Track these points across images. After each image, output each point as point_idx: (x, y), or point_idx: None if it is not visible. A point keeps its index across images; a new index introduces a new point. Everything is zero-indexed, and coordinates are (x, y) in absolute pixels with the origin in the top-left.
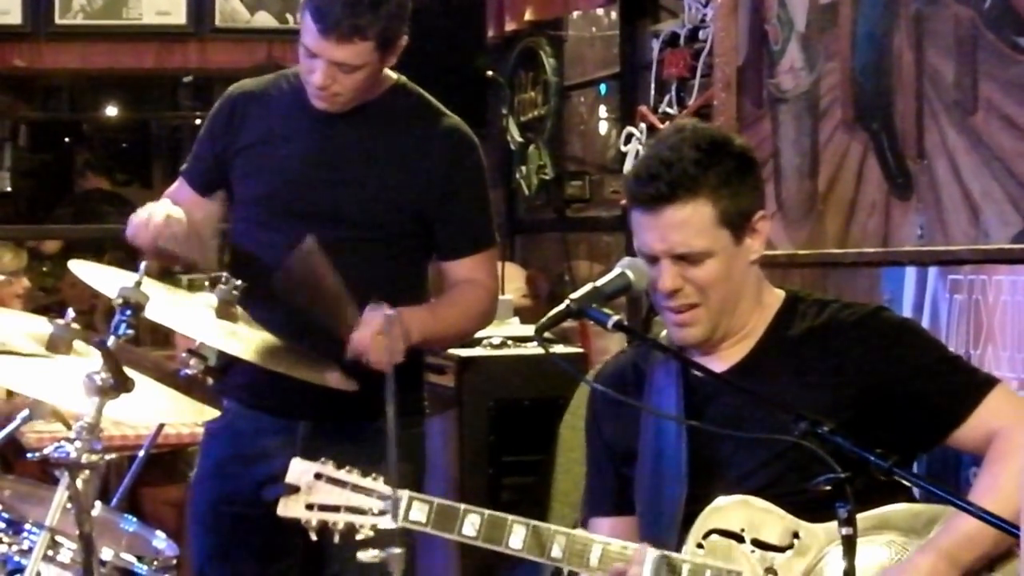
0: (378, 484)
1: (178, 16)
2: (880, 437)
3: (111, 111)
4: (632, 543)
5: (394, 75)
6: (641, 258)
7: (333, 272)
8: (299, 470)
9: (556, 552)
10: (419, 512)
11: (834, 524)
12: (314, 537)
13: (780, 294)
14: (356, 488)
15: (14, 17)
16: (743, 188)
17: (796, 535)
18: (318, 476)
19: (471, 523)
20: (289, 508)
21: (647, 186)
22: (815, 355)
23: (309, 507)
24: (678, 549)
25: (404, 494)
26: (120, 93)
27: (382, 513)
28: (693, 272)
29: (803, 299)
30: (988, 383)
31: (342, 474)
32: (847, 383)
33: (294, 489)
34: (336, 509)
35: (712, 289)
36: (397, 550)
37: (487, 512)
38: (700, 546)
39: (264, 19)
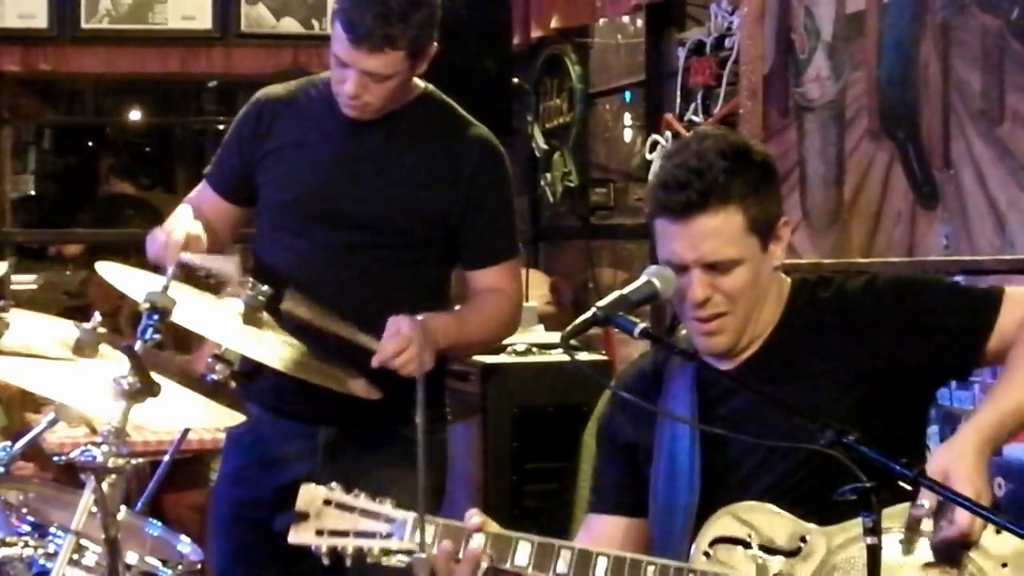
0: (385, 507)
1: (203, 21)
2: (908, 391)
3: (135, 115)
4: (639, 555)
5: (422, 84)
6: (667, 267)
7: (323, 313)
8: (309, 497)
9: (561, 567)
10: (426, 534)
11: (841, 526)
12: (326, 562)
13: (788, 283)
14: (364, 512)
15: (40, 21)
16: (768, 195)
17: (803, 539)
18: (327, 502)
19: (476, 543)
20: (300, 535)
21: (677, 194)
22: (830, 330)
23: (319, 533)
24: (687, 556)
25: (410, 516)
26: (144, 98)
27: (389, 536)
28: (722, 281)
29: (808, 280)
30: (994, 294)
31: (350, 499)
32: (866, 352)
33: (304, 516)
34: (345, 534)
35: (741, 297)
36: (423, 555)
37: (493, 532)
38: (707, 554)
39: (290, 25)
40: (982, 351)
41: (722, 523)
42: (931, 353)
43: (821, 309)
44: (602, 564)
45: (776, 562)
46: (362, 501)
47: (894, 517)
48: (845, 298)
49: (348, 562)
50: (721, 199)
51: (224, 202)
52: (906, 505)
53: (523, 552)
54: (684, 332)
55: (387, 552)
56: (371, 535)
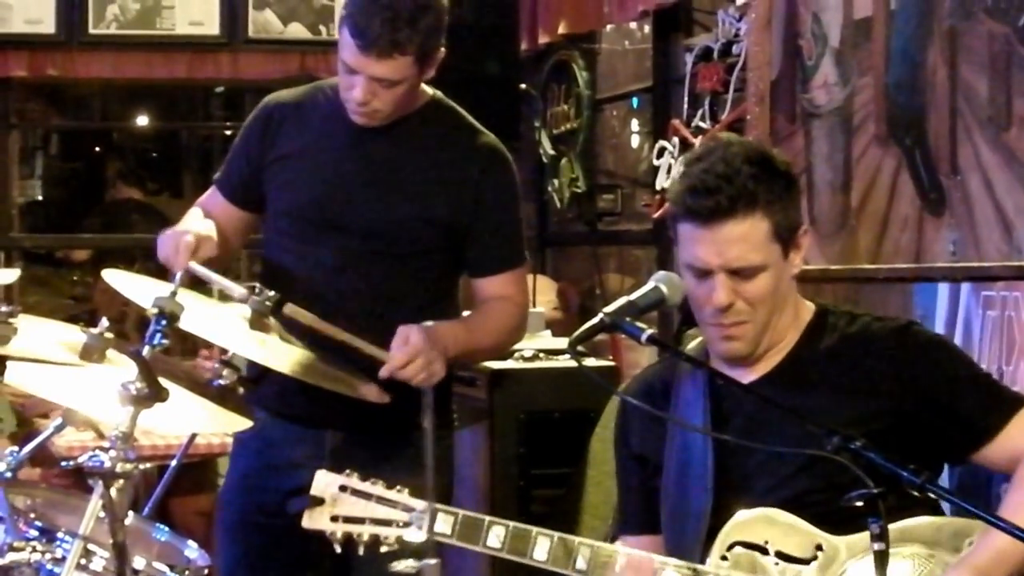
0: (403, 496)
1: (211, 26)
2: (908, 449)
3: (142, 121)
4: (659, 556)
5: (430, 90)
6: (689, 272)
7: (322, 323)
8: (324, 482)
9: (581, 564)
10: (444, 524)
11: (857, 536)
12: (339, 549)
13: (811, 307)
14: (381, 500)
15: (47, 26)
16: (791, 202)
17: (819, 547)
18: (343, 488)
19: (496, 535)
20: (314, 520)
21: (705, 199)
22: (846, 366)
23: (334, 519)
24: (702, 561)
25: (429, 506)
26: (151, 103)
27: (407, 525)
28: (745, 287)
29: (834, 311)
30: (1017, 402)
31: (367, 486)
32: (878, 395)
33: (319, 501)
34: (361, 521)
35: (762, 304)
36: (432, 561)
37: (512, 524)
38: (724, 558)
39: (297, 30)
40: (978, 451)
41: (740, 528)
42: (932, 434)
43: (843, 340)
44: (620, 561)
45: (792, 569)
46: (379, 489)
47: (914, 532)
48: (872, 337)
49: (361, 550)
50: (749, 205)
51: (233, 208)
52: (925, 523)
53: (542, 548)
54: (692, 344)
55: (404, 542)
56: (388, 523)
